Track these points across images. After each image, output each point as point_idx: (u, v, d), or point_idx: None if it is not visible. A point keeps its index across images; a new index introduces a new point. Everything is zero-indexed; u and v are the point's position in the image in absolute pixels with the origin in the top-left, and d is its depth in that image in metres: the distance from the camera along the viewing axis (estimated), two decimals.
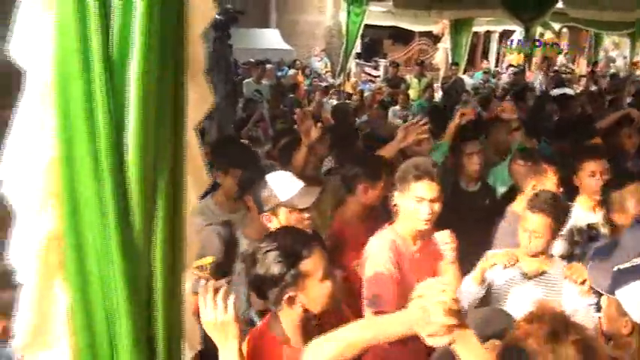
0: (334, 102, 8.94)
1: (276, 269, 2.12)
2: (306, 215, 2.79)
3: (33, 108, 1.08)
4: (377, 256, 2.83)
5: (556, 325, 1.76)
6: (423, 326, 1.69)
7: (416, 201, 2.81)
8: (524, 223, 2.98)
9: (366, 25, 10.78)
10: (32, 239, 1.09)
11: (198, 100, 1.14)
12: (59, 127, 1.05)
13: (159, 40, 1.03)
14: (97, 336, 1.11)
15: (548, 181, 3.61)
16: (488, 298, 3.01)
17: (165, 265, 1.09)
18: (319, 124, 3.83)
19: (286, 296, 2.14)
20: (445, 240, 2.81)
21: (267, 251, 2.16)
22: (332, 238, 3.36)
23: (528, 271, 2.98)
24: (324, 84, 11.65)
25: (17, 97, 1.17)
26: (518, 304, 2.84)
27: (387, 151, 3.87)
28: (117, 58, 1.03)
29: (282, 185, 2.82)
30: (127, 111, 1.03)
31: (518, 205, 3.50)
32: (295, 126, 4.35)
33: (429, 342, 1.69)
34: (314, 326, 2.22)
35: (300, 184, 2.85)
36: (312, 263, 2.15)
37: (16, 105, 1.17)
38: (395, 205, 2.92)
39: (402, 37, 18.08)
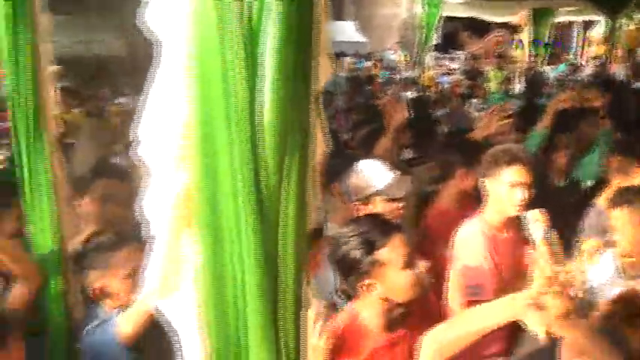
0: (409, 94, 8.88)
1: (354, 255, 2.16)
2: (400, 205, 2.80)
3: (170, 72, 1.13)
4: (470, 246, 2.82)
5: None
6: (528, 313, 1.69)
7: (508, 186, 2.78)
8: (611, 222, 2.90)
9: (442, 17, 10.63)
10: (166, 194, 1.16)
11: (322, 67, 1.19)
12: (197, 90, 1.10)
13: (295, 7, 1.07)
14: (226, 292, 1.17)
15: (638, 177, 3.50)
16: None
17: (295, 228, 1.14)
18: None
19: (364, 283, 2.17)
20: (536, 217, 2.77)
21: (348, 237, 2.20)
22: (427, 226, 3.35)
23: (627, 272, 2.88)
24: (399, 76, 11.58)
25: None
26: None
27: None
28: (255, 24, 1.07)
29: (376, 174, 2.84)
30: (261, 76, 1.08)
31: (604, 200, 3.41)
32: (373, 116, 4.39)
33: (534, 329, 1.69)
34: (398, 315, 2.24)
35: (392, 173, 2.86)
36: (390, 252, 2.16)
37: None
38: (484, 192, 2.90)
39: (479, 28, 17.73)
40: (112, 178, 3.37)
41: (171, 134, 1.13)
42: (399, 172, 2.91)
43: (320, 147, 1.21)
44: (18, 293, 2.56)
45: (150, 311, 2.29)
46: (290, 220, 1.13)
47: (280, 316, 1.15)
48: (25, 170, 2.61)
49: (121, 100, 7.73)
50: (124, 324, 2.38)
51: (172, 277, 1.20)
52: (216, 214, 1.12)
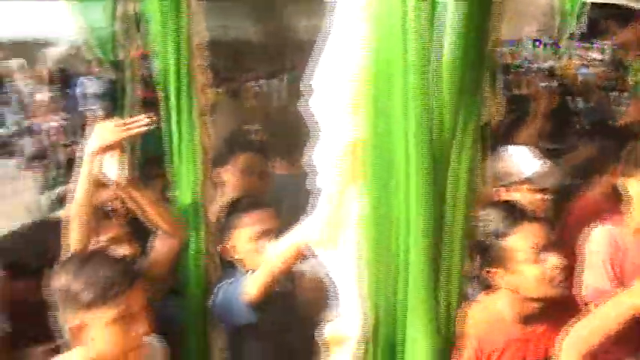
0: (547, 85, 8.51)
1: (484, 241, 2.10)
2: (545, 196, 2.69)
3: (346, 24, 1.14)
4: (595, 249, 2.67)
5: None
6: None
7: None
8: None
9: (583, 4, 10.07)
10: (335, 147, 1.17)
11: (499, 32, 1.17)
12: (374, 43, 1.11)
13: None
14: (390, 247, 1.17)
15: None
16: None
17: (466, 188, 1.12)
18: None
19: (489, 271, 2.11)
20: None
21: (481, 222, 2.14)
22: (569, 222, 3.20)
23: None
24: (535, 66, 11.14)
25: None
26: None
27: None
28: None
29: (525, 161, 2.75)
30: (438, 26, 1.06)
31: None
32: (513, 105, 4.27)
33: None
34: (533, 310, 2.16)
35: (541, 161, 2.75)
36: (520, 242, 2.08)
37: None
38: (625, 192, 2.73)
39: (621, 16, 16.66)
40: (249, 151, 3.62)
41: (345, 86, 1.14)
42: (548, 162, 2.79)
43: (493, 111, 1.18)
44: (162, 249, 2.71)
45: (277, 275, 2.37)
46: (462, 179, 1.10)
47: (443, 272, 1.13)
48: (175, 139, 2.78)
49: (256, 82, 8.00)
50: (249, 285, 2.46)
51: (336, 230, 1.22)
52: (385, 169, 1.12)
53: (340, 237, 1.24)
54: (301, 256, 2.29)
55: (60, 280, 2.01)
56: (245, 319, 2.52)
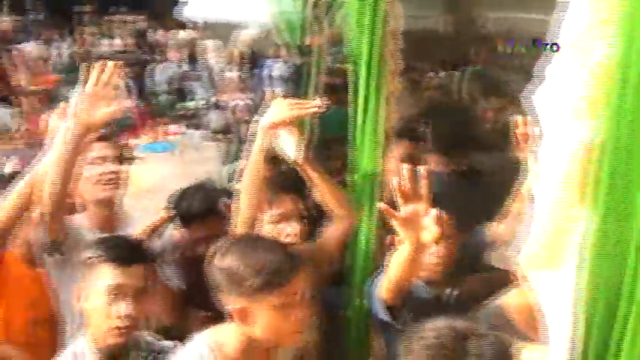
0: None
1: None
2: None
3: (585, 20, 1.02)
4: None
5: None
6: None
7: None
8: None
9: None
10: (561, 152, 1.03)
11: None
12: (622, 42, 0.98)
13: None
14: (619, 268, 1.01)
15: None
16: None
17: None
18: None
19: None
20: None
21: None
22: None
23: None
24: None
25: None
26: None
27: None
28: None
29: None
30: None
31: None
32: None
33: None
34: None
35: None
36: None
37: None
38: None
39: None
40: (410, 140, 3.59)
41: (582, 84, 1.00)
42: None
43: None
44: (333, 233, 2.70)
45: (398, 280, 2.24)
46: None
47: None
48: (359, 123, 2.77)
49: (436, 74, 7.82)
50: (382, 285, 2.37)
51: (556, 248, 1.06)
52: (624, 178, 0.96)
53: (561, 257, 1.07)
54: (419, 264, 2.19)
55: (224, 261, 2.03)
56: (381, 314, 2.43)
